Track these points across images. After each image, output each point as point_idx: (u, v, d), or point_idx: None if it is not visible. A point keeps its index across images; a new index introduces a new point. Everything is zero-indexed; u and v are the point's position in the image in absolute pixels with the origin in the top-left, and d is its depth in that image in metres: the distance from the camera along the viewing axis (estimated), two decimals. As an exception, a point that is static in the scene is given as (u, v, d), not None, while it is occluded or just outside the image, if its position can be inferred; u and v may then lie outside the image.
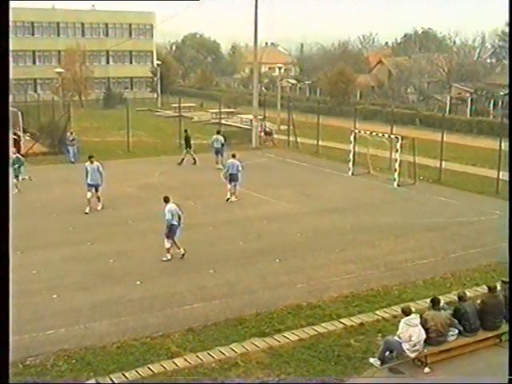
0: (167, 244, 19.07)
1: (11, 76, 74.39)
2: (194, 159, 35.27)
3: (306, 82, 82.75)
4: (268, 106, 49.61)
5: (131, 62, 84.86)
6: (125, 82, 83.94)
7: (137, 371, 12.52)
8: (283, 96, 55.88)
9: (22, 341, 13.71)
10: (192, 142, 35.81)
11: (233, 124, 53.05)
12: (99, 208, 24.88)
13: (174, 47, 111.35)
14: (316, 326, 14.72)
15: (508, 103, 48.74)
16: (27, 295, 16.34)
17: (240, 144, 42.17)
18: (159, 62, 78.85)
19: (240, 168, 26.78)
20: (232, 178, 26.74)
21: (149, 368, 12.66)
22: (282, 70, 64.12)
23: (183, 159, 35.19)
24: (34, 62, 78.48)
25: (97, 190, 24.89)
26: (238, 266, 18.86)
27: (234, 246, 20.93)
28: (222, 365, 12.84)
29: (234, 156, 27.35)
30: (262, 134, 44.28)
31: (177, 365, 12.82)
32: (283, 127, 45.55)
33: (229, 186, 26.93)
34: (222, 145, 34.36)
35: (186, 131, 36.06)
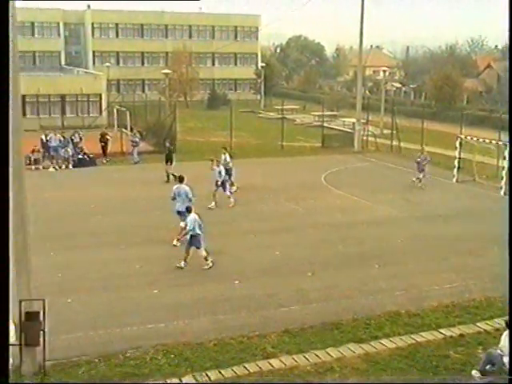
0: (203, 253, 18.53)
1: (121, 77, 77.09)
2: (169, 176, 30.79)
3: (411, 86, 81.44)
4: (371, 109, 49.05)
5: (236, 64, 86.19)
6: (229, 83, 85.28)
7: (233, 369, 12.63)
8: (387, 100, 55.13)
9: (123, 333, 14.21)
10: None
11: (335, 127, 52.87)
12: (178, 244, 20.43)
13: (278, 49, 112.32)
14: (414, 335, 14.41)
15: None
16: (129, 289, 16.89)
17: (342, 147, 42.04)
18: (263, 64, 79.67)
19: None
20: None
21: (244, 367, 12.75)
22: (387, 74, 63.21)
23: (172, 174, 29.79)
24: (143, 63, 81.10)
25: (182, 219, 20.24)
26: (336, 270, 18.76)
27: (333, 249, 20.79)
28: (317, 368, 12.77)
29: (218, 162, 26.67)
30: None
31: (272, 365, 12.85)
32: (386, 131, 44.93)
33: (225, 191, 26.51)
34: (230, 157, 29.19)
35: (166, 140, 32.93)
